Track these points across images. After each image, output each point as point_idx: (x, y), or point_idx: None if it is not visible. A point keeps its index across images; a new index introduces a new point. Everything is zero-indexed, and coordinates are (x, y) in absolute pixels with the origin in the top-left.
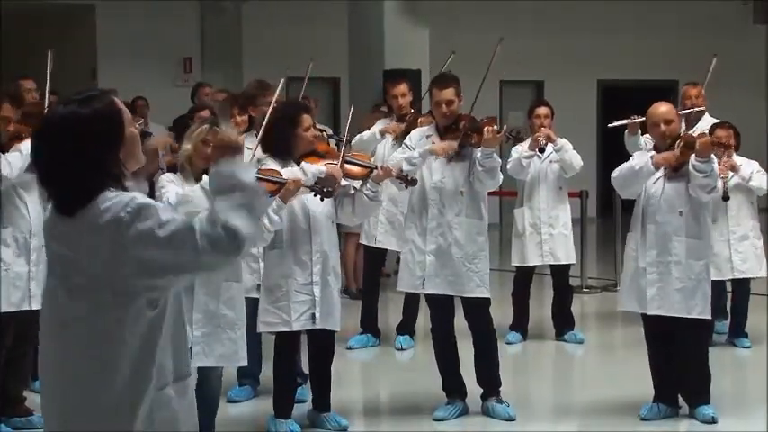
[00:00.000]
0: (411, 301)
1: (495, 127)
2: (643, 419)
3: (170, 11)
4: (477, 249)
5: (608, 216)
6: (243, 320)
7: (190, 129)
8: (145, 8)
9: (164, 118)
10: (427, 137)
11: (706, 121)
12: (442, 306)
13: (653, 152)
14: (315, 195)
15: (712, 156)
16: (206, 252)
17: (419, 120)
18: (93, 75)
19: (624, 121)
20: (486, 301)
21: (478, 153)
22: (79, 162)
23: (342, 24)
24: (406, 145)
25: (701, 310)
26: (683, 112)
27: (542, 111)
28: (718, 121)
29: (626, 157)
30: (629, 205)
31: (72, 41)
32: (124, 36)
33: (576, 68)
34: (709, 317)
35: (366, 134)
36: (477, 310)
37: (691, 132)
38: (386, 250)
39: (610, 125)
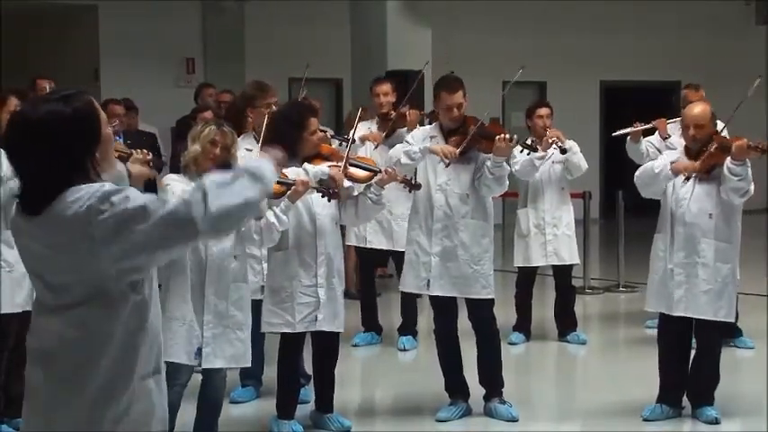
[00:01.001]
0: (409, 301)
1: (507, 136)
2: (646, 420)
3: (172, 11)
4: (482, 251)
5: (611, 217)
6: (249, 321)
7: (194, 129)
8: (147, 8)
9: (166, 118)
10: (431, 137)
11: None
12: (445, 307)
13: (677, 156)
14: (322, 196)
15: (747, 160)
16: (179, 209)
17: (408, 112)
18: (95, 75)
19: (628, 130)
20: (491, 302)
21: (488, 162)
22: (55, 160)
23: (344, 25)
24: (408, 143)
25: (726, 312)
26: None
27: (544, 111)
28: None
29: (629, 158)
30: (631, 206)
31: (74, 42)
32: (126, 36)
33: (579, 69)
34: (733, 320)
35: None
36: (481, 310)
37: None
38: (382, 250)
39: (614, 134)
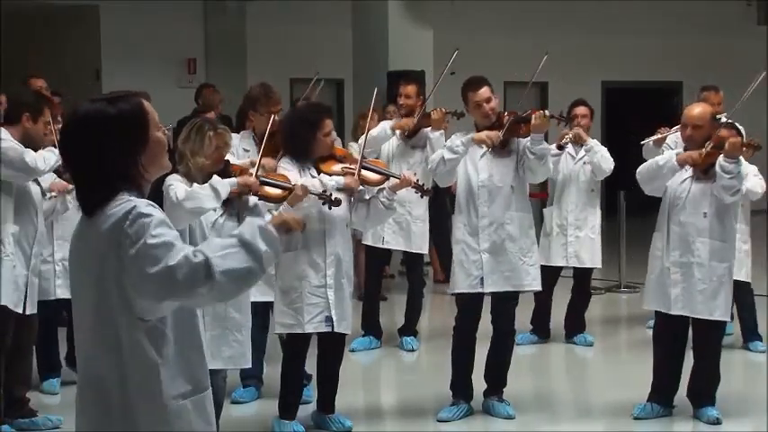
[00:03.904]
0: (415, 302)
1: (541, 112)
2: (636, 419)
3: (173, 11)
4: (530, 243)
5: (612, 217)
6: (249, 322)
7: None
8: (148, 8)
9: (167, 119)
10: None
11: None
12: (475, 306)
13: (680, 150)
14: (323, 204)
15: (741, 158)
16: (178, 272)
17: (432, 111)
18: (96, 75)
19: (657, 136)
20: (516, 301)
21: (528, 141)
22: (98, 161)
23: (346, 25)
24: (446, 146)
25: (722, 312)
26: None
27: (581, 110)
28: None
29: (630, 159)
30: (633, 207)
31: (75, 42)
32: (128, 37)
33: (580, 70)
34: (729, 319)
35: (376, 130)
36: (506, 308)
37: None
38: (389, 251)
39: (642, 142)
